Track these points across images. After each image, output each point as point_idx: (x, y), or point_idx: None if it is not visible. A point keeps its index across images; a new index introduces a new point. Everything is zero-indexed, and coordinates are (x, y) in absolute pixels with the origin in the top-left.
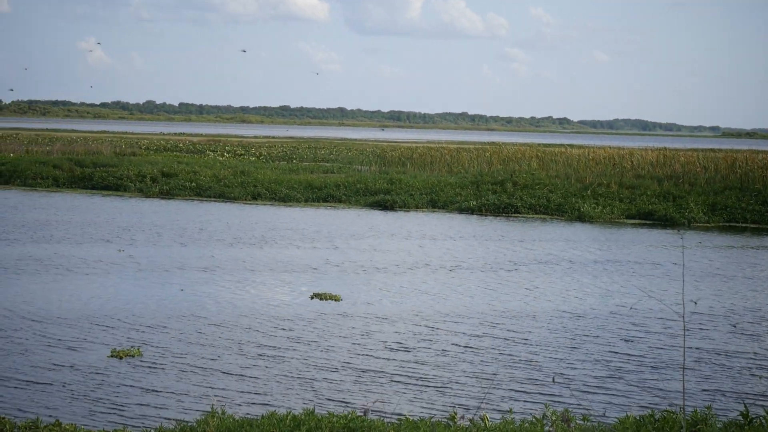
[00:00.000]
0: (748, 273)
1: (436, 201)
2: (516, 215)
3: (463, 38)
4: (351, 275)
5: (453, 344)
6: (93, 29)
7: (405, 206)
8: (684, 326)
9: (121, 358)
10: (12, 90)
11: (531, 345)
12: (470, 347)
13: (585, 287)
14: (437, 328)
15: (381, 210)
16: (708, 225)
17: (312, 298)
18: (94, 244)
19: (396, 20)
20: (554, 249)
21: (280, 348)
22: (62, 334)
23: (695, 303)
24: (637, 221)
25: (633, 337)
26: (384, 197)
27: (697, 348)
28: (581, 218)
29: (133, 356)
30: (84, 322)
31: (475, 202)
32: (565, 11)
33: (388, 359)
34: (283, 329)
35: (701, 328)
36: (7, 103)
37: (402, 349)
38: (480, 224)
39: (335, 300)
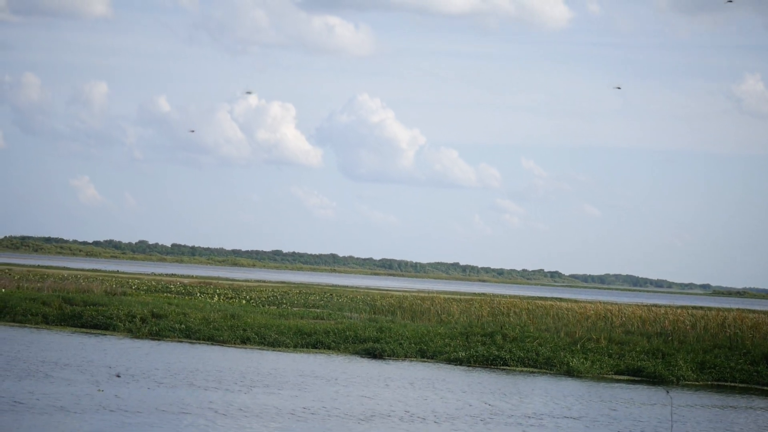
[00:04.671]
0: None
1: (425, 351)
2: (505, 368)
3: (455, 188)
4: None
5: None
6: (86, 167)
7: (394, 355)
8: None
9: None
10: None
11: None
12: None
13: None
14: None
15: (370, 358)
16: (697, 383)
17: None
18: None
19: (389, 168)
20: (535, 404)
21: None
22: None
23: None
24: (626, 377)
25: None
26: (373, 345)
27: None
28: (570, 373)
29: None
30: None
31: (464, 353)
32: (557, 164)
33: None
34: None
35: None
36: (0, 238)
37: None
38: (465, 376)
39: None
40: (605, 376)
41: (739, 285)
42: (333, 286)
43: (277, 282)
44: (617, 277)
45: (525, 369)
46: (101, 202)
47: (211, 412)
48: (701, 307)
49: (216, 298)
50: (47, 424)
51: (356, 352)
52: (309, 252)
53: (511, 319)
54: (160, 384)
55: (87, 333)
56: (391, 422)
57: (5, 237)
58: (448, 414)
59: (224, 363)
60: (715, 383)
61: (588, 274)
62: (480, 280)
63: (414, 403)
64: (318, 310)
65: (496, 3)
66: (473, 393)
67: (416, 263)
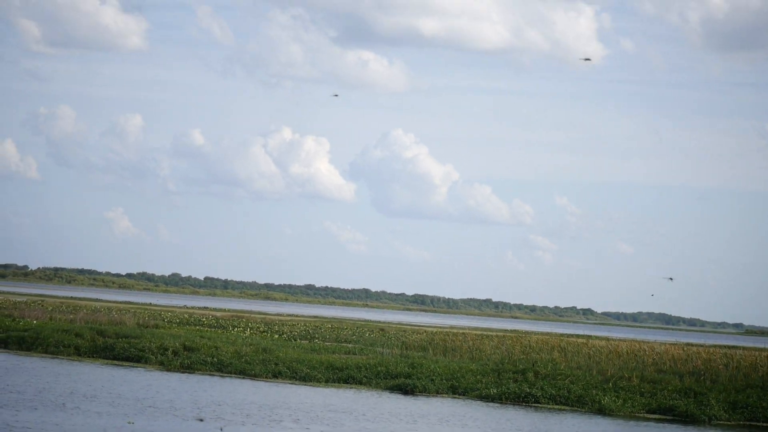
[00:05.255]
0: None
1: (456, 387)
2: (536, 405)
3: (488, 224)
4: None
5: None
6: (120, 199)
7: (425, 391)
8: None
9: None
10: (337, 94)
11: None
12: None
13: None
14: None
15: (401, 394)
16: (729, 423)
17: None
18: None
19: (422, 203)
20: None
21: None
22: None
23: None
24: (657, 416)
25: None
26: (404, 381)
27: None
28: (601, 411)
29: None
30: None
31: (495, 390)
32: (591, 201)
33: None
34: None
35: None
36: (33, 269)
37: None
38: (496, 413)
39: None
40: (637, 414)
41: None
42: (365, 321)
43: (310, 316)
44: (650, 315)
45: (556, 407)
46: (135, 234)
47: None
48: (734, 347)
49: (248, 331)
50: None
51: (387, 388)
52: (342, 287)
53: (543, 356)
54: (186, 418)
55: (119, 365)
56: None
57: (39, 268)
58: None
59: (254, 397)
60: (747, 423)
61: (620, 311)
62: (512, 317)
63: None
64: (350, 345)
65: (530, 39)
66: (502, 430)
67: (449, 299)
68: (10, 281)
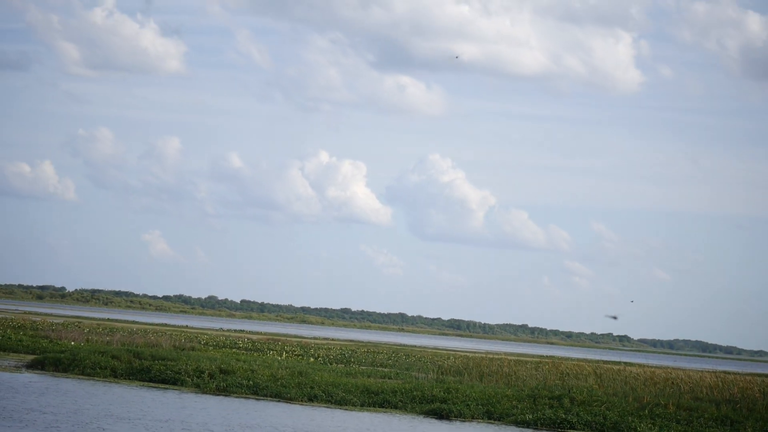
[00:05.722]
0: None
1: (492, 412)
2: (572, 431)
3: (524, 249)
4: None
5: None
6: (157, 222)
7: (461, 416)
8: None
9: None
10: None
11: None
12: None
13: None
14: None
15: (436, 418)
16: None
17: None
18: None
19: (458, 228)
20: None
21: None
22: None
23: None
24: None
25: None
26: (440, 406)
27: None
28: None
29: None
30: None
31: (531, 416)
32: (627, 228)
33: None
34: None
35: None
36: (71, 291)
37: None
38: None
39: None
40: None
41: None
42: (401, 345)
43: (345, 340)
44: (686, 342)
45: None
46: (172, 257)
47: None
48: None
49: (284, 355)
50: None
51: (423, 412)
52: (377, 311)
53: (579, 383)
54: None
55: (155, 387)
56: None
57: (76, 290)
58: None
59: (288, 420)
60: None
61: (657, 339)
62: (548, 343)
63: None
64: (385, 369)
65: (568, 66)
66: None
67: (484, 324)
68: (47, 303)
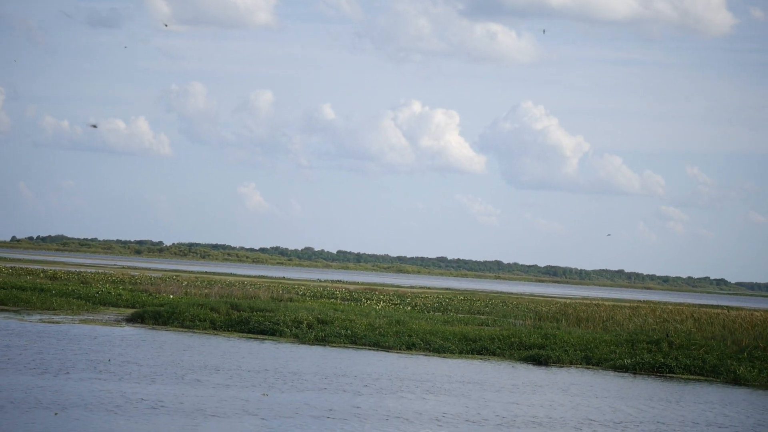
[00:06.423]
0: None
1: (590, 358)
2: (670, 375)
3: (619, 195)
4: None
5: None
6: (252, 175)
7: (559, 362)
8: None
9: None
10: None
11: None
12: None
13: None
14: None
15: (535, 365)
16: None
17: None
18: (241, 388)
19: (553, 175)
20: (706, 414)
21: None
22: None
23: None
24: None
25: None
26: (538, 352)
27: None
28: (737, 381)
29: None
30: None
31: (629, 361)
32: (722, 171)
33: None
34: None
35: None
36: (168, 245)
37: None
38: (625, 383)
39: None
40: None
41: None
42: (497, 292)
43: (442, 288)
44: None
45: (691, 377)
46: (267, 209)
47: (353, 416)
48: None
49: (381, 304)
50: (183, 427)
51: (521, 359)
52: (473, 259)
53: (677, 327)
54: (306, 389)
55: (253, 338)
56: (528, 429)
57: (173, 244)
58: (593, 419)
59: (381, 368)
60: None
61: (755, 281)
62: (645, 288)
63: (560, 409)
64: (483, 317)
65: (659, 10)
66: (629, 399)
67: (581, 270)
68: (145, 257)
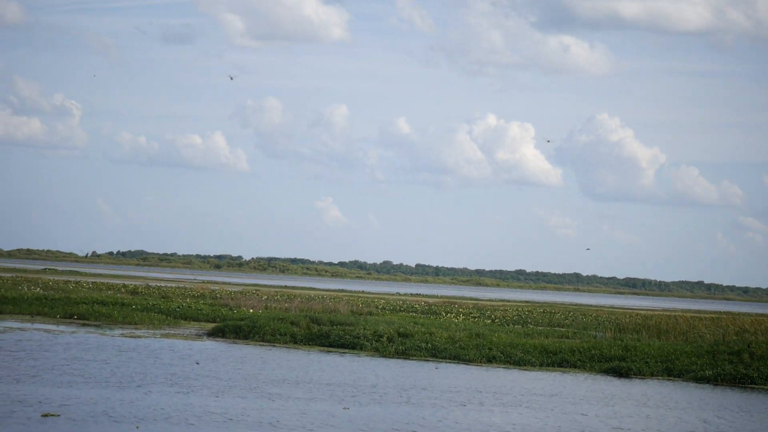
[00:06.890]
0: None
1: (671, 369)
2: (752, 386)
3: (696, 206)
4: None
5: None
6: (329, 189)
7: (640, 373)
8: None
9: None
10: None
11: None
12: None
13: None
14: None
15: (615, 377)
16: None
17: None
18: (320, 401)
19: (629, 187)
20: None
21: None
22: None
23: None
24: None
25: None
26: (619, 364)
27: None
28: None
29: None
30: None
31: (710, 372)
32: None
33: None
34: None
35: None
36: (247, 259)
37: None
38: (705, 394)
39: None
40: None
41: None
42: (577, 305)
43: (521, 301)
44: None
45: None
46: (345, 224)
47: (436, 429)
48: None
49: (460, 317)
50: None
51: (602, 371)
52: (552, 271)
53: (759, 338)
54: (388, 402)
55: (333, 352)
56: None
57: (252, 258)
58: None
59: (460, 381)
60: None
61: None
62: (725, 299)
63: (629, 421)
64: (562, 329)
65: (733, 20)
66: (700, 411)
67: (660, 282)
68: (225, 272)
